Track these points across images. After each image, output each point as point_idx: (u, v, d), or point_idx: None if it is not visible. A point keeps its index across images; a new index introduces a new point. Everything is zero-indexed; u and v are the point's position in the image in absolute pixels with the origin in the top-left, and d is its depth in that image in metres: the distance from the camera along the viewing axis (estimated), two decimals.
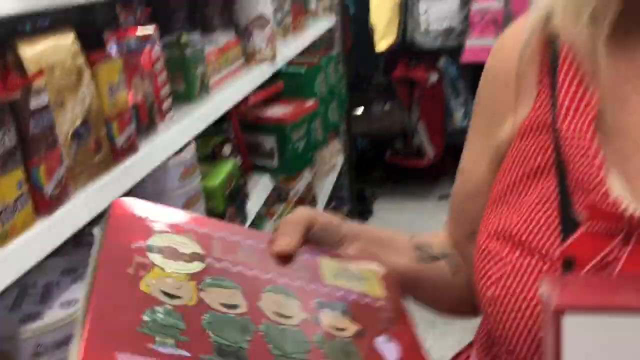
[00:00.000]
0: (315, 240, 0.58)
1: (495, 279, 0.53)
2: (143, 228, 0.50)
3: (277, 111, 2.08)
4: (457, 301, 0.68)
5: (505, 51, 0.62)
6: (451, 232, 0.71)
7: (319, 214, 0.60)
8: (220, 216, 1.55)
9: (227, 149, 1.75)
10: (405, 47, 3.85)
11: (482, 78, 0.66)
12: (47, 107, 0.90)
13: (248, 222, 1.76)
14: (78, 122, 0.99)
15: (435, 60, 3.95)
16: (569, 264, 0.49)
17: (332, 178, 3.05)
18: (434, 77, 3.97)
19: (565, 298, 0.38)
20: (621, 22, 0.53)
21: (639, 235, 0.46)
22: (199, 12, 1.93)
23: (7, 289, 0.85)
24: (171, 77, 1.41)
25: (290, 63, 2.28)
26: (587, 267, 0.48)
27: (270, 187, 2.07)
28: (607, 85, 0.53)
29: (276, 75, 2.14)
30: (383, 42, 3.92)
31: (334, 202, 3.35)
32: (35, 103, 0.86)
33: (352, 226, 0.63)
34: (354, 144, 3.89)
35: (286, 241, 0.54)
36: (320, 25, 2.81)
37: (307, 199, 2.53)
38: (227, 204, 1.59)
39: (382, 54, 3.96)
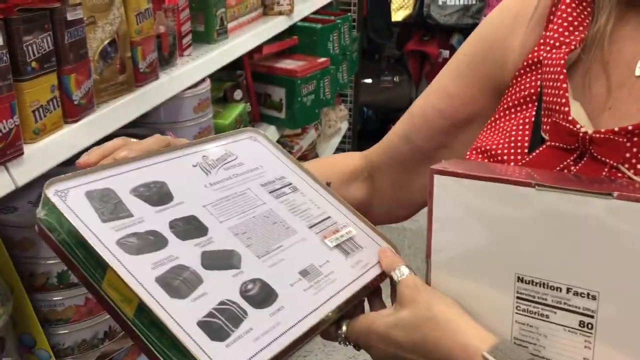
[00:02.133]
0: None
1: None
2: None
3: (289, 64, 2.14)
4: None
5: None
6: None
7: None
8: None
9: (238, 94, 1.82)
10: (421, 21, 3.89)
11: (497, 14, 0.71)
12: (81, 20, 0.97)
13: None
14: (106, 42, 1.06)
15: (448, 36, 3.99)
16: None
17: (335, 142, 3.12)
18: (445, 53, 4.01)
19: (440, 166, 0.55)
20: None
21: (591, 153, 0.54)
22: None
23: (32, 187, 0.94)
24: (192, 17, 1.47)
25: (306, 20, 2.33)
26: None
27: (275, 139, 2.13)
28: (604, 31, 0.58)
29: (292, 31, 2.20)
30: (399, 12, 3.96)
31: None
32: (71, 15, 0.94)
33: None
34: (360, 112, 3.95)
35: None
36: None
37: (310, 157, 2.61)
38: None
39: (396, 25, 4.00)
